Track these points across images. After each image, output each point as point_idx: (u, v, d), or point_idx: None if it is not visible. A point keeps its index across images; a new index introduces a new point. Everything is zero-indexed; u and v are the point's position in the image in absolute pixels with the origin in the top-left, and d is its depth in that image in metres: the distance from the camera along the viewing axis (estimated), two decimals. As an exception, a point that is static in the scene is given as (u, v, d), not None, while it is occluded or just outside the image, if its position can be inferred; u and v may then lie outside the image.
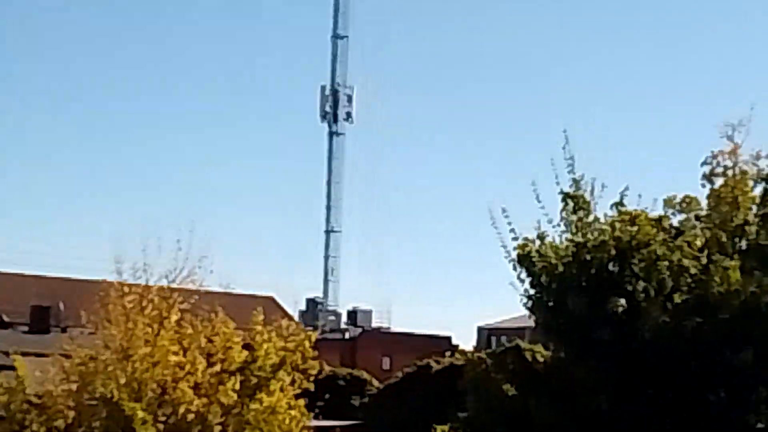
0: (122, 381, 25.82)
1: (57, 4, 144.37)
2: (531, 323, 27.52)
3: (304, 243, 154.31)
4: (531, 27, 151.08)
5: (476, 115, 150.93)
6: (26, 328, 64.67)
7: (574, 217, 25.69)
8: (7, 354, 39.75)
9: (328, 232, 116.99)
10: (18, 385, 26.38)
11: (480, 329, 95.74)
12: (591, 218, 25.84)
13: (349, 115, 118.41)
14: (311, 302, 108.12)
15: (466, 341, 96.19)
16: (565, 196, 25.75)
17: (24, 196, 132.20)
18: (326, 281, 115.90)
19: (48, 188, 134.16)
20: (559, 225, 25.87)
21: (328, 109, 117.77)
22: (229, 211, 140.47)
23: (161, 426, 25.59)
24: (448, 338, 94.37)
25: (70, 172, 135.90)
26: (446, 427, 28.21)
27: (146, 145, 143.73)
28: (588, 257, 25.08)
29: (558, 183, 25.87)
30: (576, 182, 25.81)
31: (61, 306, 65.47)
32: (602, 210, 26.06)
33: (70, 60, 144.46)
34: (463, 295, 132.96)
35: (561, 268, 25.04)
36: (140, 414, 25.22)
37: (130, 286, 27.10)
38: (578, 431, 24.27)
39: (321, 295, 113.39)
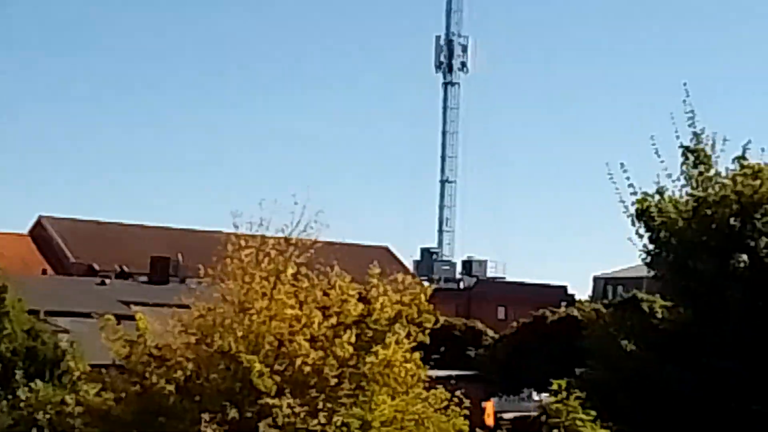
0: (240, 334, 25.93)
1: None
2: (648, 273, 27.16)
3: (419, 193, 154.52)
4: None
5: (593, 67, 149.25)
6: (146, 279, 65.71)
7: (694, 172, 25.22)
8: (127, 304, 40.47)
9: (443, 183, 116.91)
10: (139, 337, 26.66)
11: (596, 279, 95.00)
12: (712, 173, 25.35)
13: (464, 65, 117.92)
14: (426, 252, 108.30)
15: (582, 291, 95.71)
16: (686, 150, 25.29)
17: (143, 149, 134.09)
18: (441, 232, 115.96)
19: (166, 142, 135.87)
20: (678, 180, 25.46)
21: (442, 59, 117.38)
22: (345, 162, 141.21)
23: (278, 378, 25.68)
24: (564, 288, 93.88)
25: (190, 125, 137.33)
26: (563, 382, 27.92)
27: (261, 99, 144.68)
28: (709, 212, 24.60)
29: (678, 137, 25.45)
30: (697, 136, 25.32)
31: (180, 257, 66.33)
32: (724, 164, 25.61)
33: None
34: (579, 245, 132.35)
35: (681, 224, 24.60)
36: (258, 366, 25.35)
37: (246, 239, 27.17)
38: (707, 394, 23.78)
39: (435, 245, 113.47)
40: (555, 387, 28.14)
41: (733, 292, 23.91)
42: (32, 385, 32.08)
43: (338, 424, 25.28)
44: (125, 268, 72.56)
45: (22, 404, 31.15)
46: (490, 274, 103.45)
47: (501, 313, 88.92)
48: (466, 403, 27.09)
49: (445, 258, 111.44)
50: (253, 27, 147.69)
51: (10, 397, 32.20)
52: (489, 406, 42.34)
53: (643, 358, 24.83)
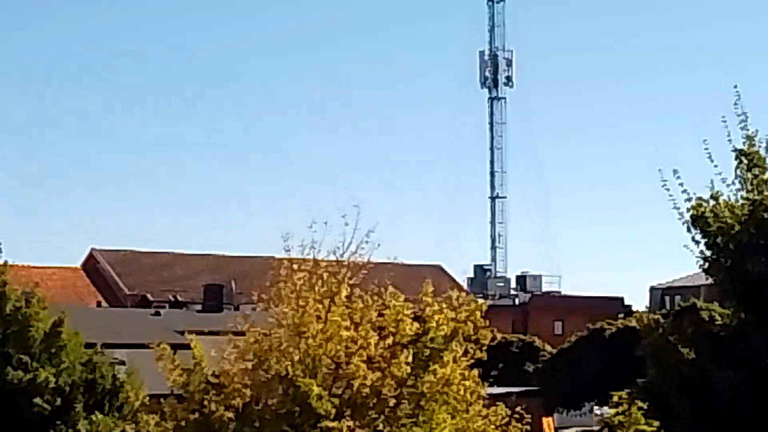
0: (296, 358, 25.86)
1: None
2: (705, 281, 26.94)
3: (469, 211, 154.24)
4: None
5: (641, 71, 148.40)
6: (199, 307, 65.84)
7: (749, 175, 25.00)
8: (182, 333, 40.43)
9: (493, 199, 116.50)
10: (195, 365, 26.63)
11: (653, 289, 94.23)
12: (767, 175, 25.09)
13: (509, 79, 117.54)
14: (479, 269, 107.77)
15: (639, 302, 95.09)
16: (739, 154, 25.05)
17: (193, 178, 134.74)
18: (493, 248, 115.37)
19: (217, 170, 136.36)
20: (733, 184, 25.22)
21: (487, 74, 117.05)
22: (394, 182, 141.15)
23: (336, 401, 25.59)
24: (621, 299, 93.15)
25: (239, 153, 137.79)
26: (624, 393, 27.69)
27: (309, 121, 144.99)
28: (765, 216, 24.36)
29: (731, 141, 25.21)
30: (750, 138, 25.09)
31: (233, 284, 66.45)
32: (779, 166, 25.31)
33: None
34: (634, 256, 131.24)
35: (737, 228, 24.38)
36: (316, 390, 25.26)
37: (299, 262, 27.12)
38: (763, 398, 23.58)
39: (489, 261, 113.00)
40: (616, 399, 27.91)
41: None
42: (92, 417, 32.19)
43: (399, 444, 25.12)
44: (179, 298, 72.81)
45: (83, 437, 31.29)
46: (545, 288, 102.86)
47: (558, 327, 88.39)
48: (527, 419, 26.84)
49: (498, 274, 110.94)
50: (295, 47, 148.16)
51: (70, 430, 32.31)
52: (545, 422, 41.99)
53: (702, 365, 24.59)
